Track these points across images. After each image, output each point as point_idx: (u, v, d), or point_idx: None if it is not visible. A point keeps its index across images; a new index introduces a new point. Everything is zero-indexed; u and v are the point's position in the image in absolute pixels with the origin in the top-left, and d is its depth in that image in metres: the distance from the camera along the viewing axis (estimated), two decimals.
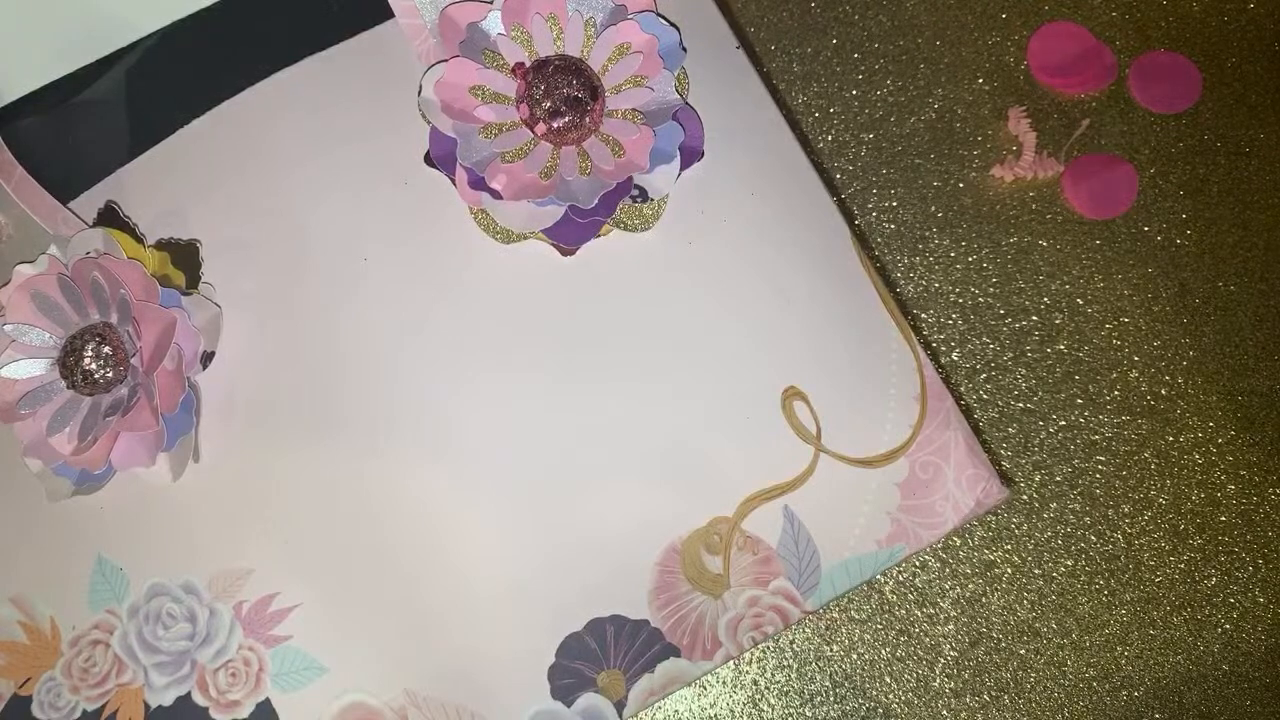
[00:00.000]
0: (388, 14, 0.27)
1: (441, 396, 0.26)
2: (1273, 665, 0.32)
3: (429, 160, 0.26)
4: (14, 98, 0.29)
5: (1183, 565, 0.32)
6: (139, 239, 0.27)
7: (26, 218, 0.27)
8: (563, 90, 0.25)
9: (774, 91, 0.30)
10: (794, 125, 0.27)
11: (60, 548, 0.27)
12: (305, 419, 0.26)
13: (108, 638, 0.26)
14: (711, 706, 0.31)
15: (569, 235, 0.25)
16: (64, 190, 0.28)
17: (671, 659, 0.25)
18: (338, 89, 0.27)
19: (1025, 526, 0.32)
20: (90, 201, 0.27)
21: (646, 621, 0.25)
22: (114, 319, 0.26)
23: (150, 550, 0.27)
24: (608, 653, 0.25)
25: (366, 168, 0.27)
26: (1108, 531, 0.32)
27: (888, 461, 0.25)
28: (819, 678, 0.31)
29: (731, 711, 0.31)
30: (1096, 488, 0.32)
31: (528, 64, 0.26)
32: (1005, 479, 0.25)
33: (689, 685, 0.29)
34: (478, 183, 0.25)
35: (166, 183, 0.27)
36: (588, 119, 0.25)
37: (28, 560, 0.27)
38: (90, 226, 0.27)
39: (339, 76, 0.27)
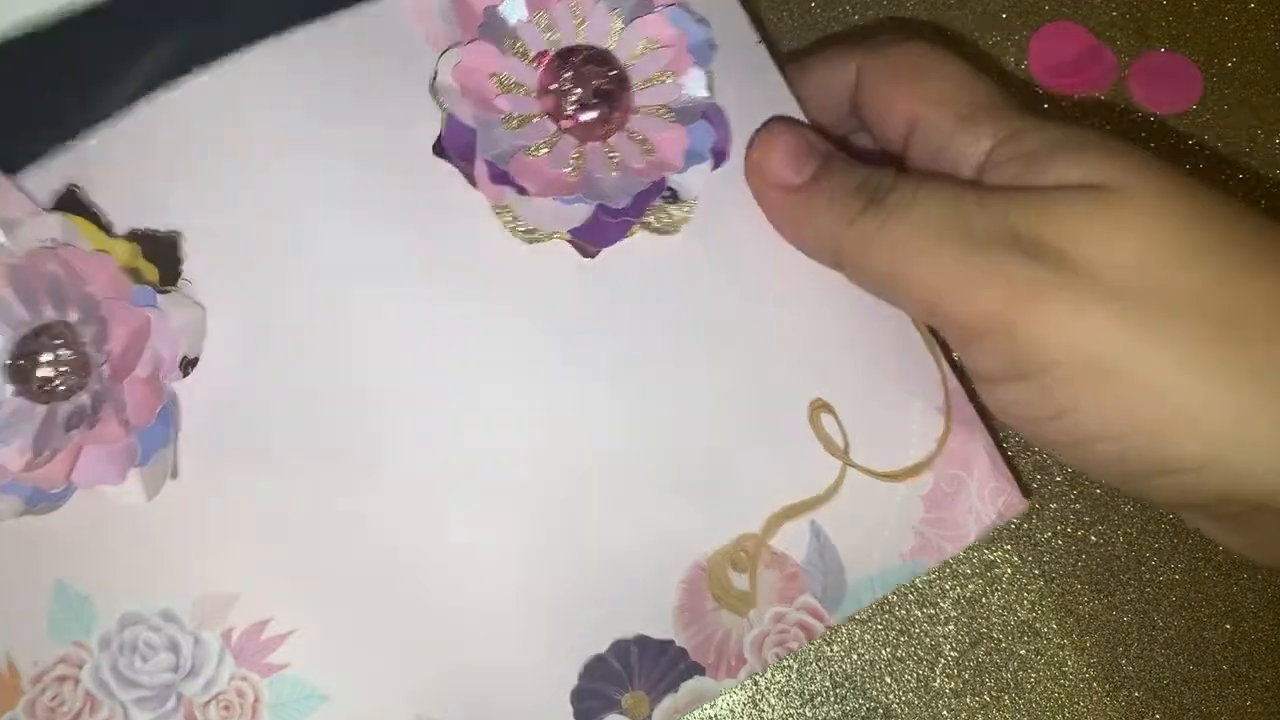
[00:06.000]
0: None
1: (451, 405, 0.24)
2: (1273, 665, 0.32)
3: (438, 150, 0.24)
4: None
5: (1183, 565, 0.33)
6: (105, 227, 0.24)
7: None
8: (592, 82, 0.23)
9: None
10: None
11: (9, 574, 0.24)
12: (300, 429, 0.24)
13: (76, 672, 0.24)
14: (711, 706, 0.31)
15: (597, 236, 0.24)
16: (6, 161, 0.24)
17: (696, 678, 0.25)
18: (339, 63, 0.24)
19: (1025, 526, 0.32)
20: (42, 178, 0.24)
21: (671, 641, 0.24)
22: (74, 318, 0.23)
23: (120, 575, 0.24)
24: (632, 674, 0.24)
25: (370, 155, 0.24)
26: (1108, 531, 0.32)
27: (913, 475, 0.25)
28: (819, 678, 0.31)
29: (731, 711, 0.31)
30: (1097, 488, 0.33)
31: (552, 53, 0.24)
32: (1025, 489, 0.25)
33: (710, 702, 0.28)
34: (500, 176, 0.23)
35: (136, 159, 0.24)
36: (616, 114, 0.24)
37: None
38: (46, 210, 0.23)
39: (340, 49, 0.24)
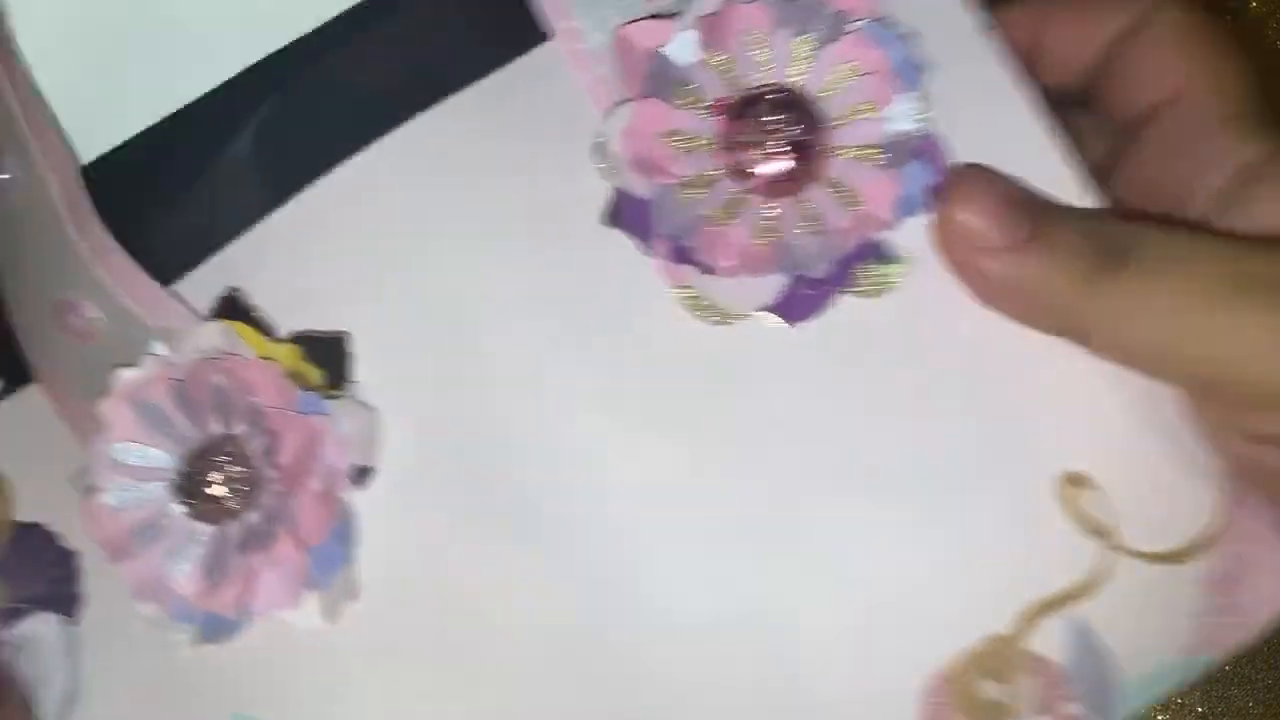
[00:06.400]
0: (541, 36, 0.22)
1: (651, 504, 0.22)
2: (1275, 666, 0.32)
3: (611, 220, 0.22)
4: (98, 152, 0.23)
5: None
6: (266, 331, 0.22)
7: (124, 310, 0.22)
8: (781, 129, 0.21)
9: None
10: (1077, 138, 0.22)
11: (181, 708, 0.23)
12: (488, 540, 0.22)
13: None
14: None
15: (795, 310, 0.21)
16: (162, 272, 0.23)
17: None
18: (495, 127, 0.22)
19: None
20: (198, 281, 0.23)
21: None
22: (241, 431, 0.22)
23: (301, 705, 0.22)
24: None
25: (536, 228, 0.22)
26: None
27: (1191, 555, 0.21)
28: None
29: None
30: None
31: (732, 98, 0.21)
32: None
33: None
34: (681, 254, 0.21)
35: (291, 254, 0.22)
36: (811, 163, 0.21)
37: None
38: (206, 318, 0.22)
39: (494, 111, 0.22)
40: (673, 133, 0.21)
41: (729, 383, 0.22)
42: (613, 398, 0.22)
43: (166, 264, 0.23)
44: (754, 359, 0.22)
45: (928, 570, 0.21)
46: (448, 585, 0.22)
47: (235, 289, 0.22)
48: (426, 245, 0.22)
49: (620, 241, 0.22)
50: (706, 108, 0.21)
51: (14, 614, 0.23)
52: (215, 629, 0.22)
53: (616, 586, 0.22)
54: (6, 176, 0.22)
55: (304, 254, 0.22)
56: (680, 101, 0.21)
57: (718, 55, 0.21)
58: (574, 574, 0.22)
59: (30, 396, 0.24)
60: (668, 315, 0.22)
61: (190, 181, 0.23)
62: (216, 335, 0.22)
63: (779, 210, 0.21)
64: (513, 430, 0.22)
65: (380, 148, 0.22)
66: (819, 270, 0.20)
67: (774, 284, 0.21)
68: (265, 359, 0.22)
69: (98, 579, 0.23)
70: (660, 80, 0.21)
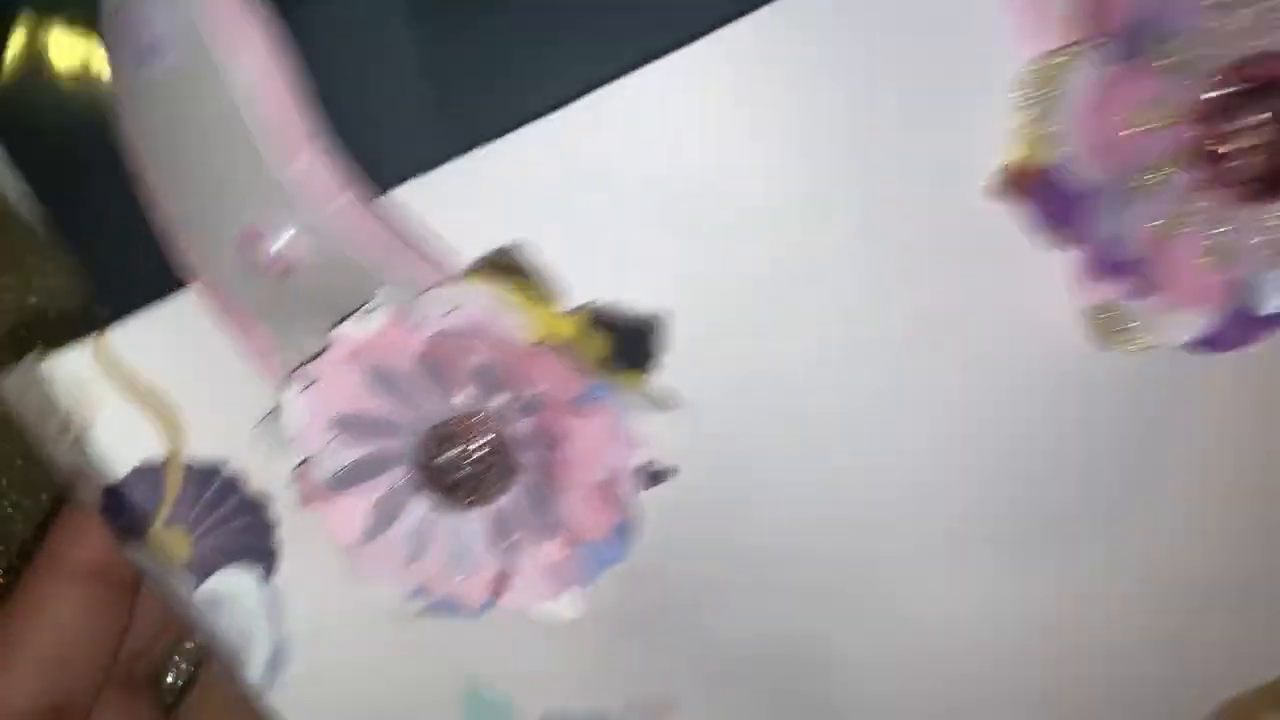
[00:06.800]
0: None
1: (979, 546, 0.19)
2: None
3: (1014, 194, 0.17)
4: None
5: None
6: (542, 295, 0.17)
7: (341, 252, 0.16)
8: (1269, 117, 0.15)
9: None
10: None
11: (415, 670, 0.20)
12: (775, 553, 0.19)
13: None
14: None
15: (1228, 344, 0.17)
16: (379, 176, 0.17)
17: None
18: (842, 46, 0.16)
19: None
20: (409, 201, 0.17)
21: None
22: (500, 408, 0.17)
23: (543, 671, 0.20)
24: None
25: (888, 187, 0.17)
26: None
27: None
28: None
29: None
30: None
31: (1224, 67, 0.15)
32: None
33: None
34: (1115, 269, 0.16)
35: (568, 187, 0.17)
36: None
37: (367, 689, 0.20)
38: (468, 274, 0.17)
39: (841, 25, 0.16)
40: (1147, 106, 0.15)
41: (1092, 394, 0.18)
42: (957, 402, 0.18)
43: (383, 167, 0.17)
44: (1138, 374, 0.18)
45: (1236, 598, 0.20)
46: (727, 590, 0.19)
47: (511, 247, 0.16)
48: (737, 189, 0.17)
49: (1004, 219, 0.17)
50: (1193, 77, 0.15)
51: (203, 569, 0.19)
52: (453, 609, 0.19)
53: (912, 617, 0.20)
54: (160, 31, 0.15)
55: (582, 190, 0.17)
56: (1162, 64, 0.15)
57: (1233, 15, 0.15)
58: (861, 592, 0.19)
59: (184, 304, 0.18)
60: (1051, 321, 0.17)
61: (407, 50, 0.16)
62: (476, 298, 0.17)
63: (1236, 225, 0.16)
64: (830, 432, 0.18)
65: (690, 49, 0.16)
66: (1273, 308, 0.16)
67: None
68: (540, 335, 0.17)
69: (292, 526, 0.20)
70: (1142, 30, 0.15)
